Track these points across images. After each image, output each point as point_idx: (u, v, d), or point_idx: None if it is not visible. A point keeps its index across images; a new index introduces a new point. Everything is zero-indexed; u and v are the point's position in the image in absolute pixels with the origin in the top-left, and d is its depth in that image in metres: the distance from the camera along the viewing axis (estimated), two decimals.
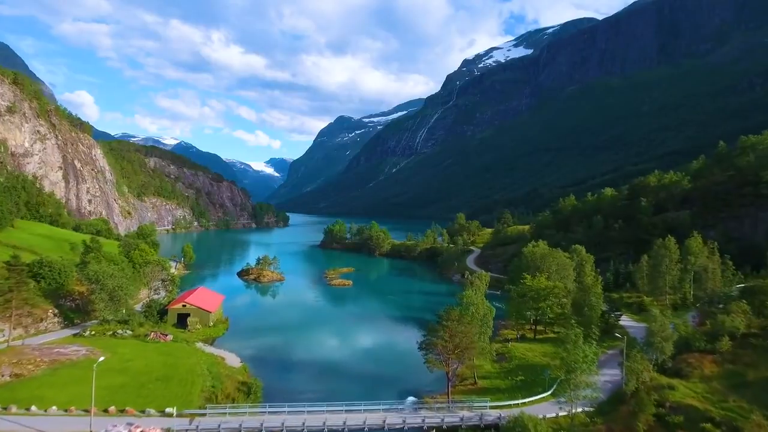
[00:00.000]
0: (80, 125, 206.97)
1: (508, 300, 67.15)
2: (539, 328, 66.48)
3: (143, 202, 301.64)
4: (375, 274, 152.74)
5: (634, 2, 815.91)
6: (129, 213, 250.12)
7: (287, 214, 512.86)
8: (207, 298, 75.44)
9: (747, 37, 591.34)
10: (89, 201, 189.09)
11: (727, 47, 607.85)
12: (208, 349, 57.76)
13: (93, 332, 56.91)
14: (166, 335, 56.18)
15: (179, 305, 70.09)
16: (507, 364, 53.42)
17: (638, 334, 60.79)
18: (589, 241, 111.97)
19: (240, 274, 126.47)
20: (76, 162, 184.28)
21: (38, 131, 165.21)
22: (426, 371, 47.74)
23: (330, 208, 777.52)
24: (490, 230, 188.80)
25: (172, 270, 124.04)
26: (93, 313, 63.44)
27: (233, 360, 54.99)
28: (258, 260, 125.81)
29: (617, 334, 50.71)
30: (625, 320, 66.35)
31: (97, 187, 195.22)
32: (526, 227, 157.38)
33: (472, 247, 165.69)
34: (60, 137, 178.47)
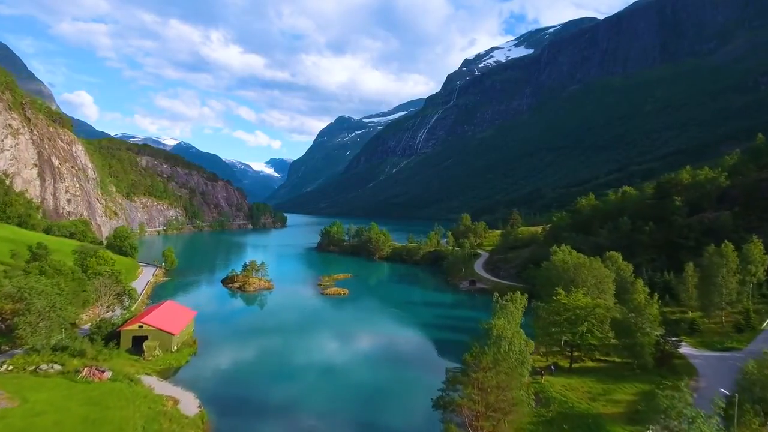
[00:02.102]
0: (59, 120, 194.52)
1: (534, 318, 54.74)
2: (574, 353, 53.99)
3: (133, 203, 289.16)
4: (374, 280, 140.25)
5: (635, 1, 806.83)
6: (115, 213, 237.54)
7: (286, 214, 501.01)
8: (172, 315, 62.87)
9: (751, 36, 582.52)
10: (68, 201, 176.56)
11: (731, 46, 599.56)
12: (160, 387, 45.22)
13: (11, 367, 44.43)
14: (103, 371, 43.72)
15: (135, 326, 57.60)
16: (545, 411, 40.89)
17: (706, 369, 48.35)
18: (613, 246, 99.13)
19: (224, 282, 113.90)
20: (53, 159, 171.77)
21: (10, 125, 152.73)
22: (436, 418, 35.71)
23: (330, 209, 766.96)
24: (497, 232, 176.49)
25: (146, 278, 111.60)
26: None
27: (189, 403, 42.52)
28: (244, 266, 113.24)
29: (725, 393, 36.11)
30: (683, 347, 53.96)
31: (77, 186, 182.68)
32: (539, 229, 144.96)
33: (479, 251, 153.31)
34: (36, 132, 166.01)
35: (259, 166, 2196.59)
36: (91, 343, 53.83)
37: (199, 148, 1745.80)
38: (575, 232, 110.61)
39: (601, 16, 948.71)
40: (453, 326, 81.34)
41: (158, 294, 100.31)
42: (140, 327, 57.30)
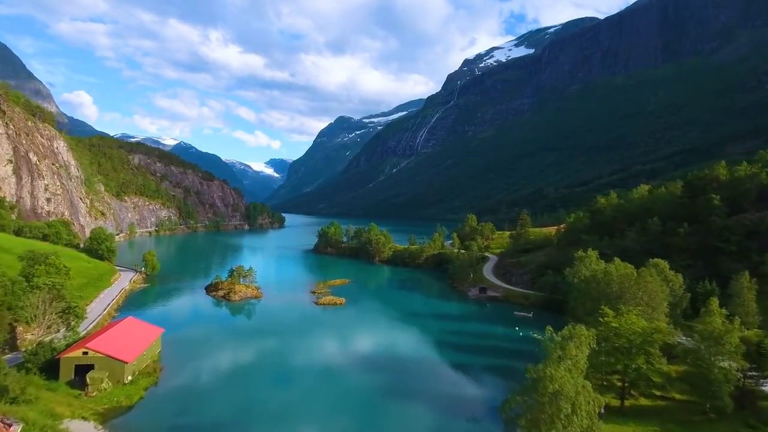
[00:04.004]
0: (40, 113, 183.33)
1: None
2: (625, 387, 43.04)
3: (123, 202, 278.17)
4: (373, 286, 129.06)
5: (637, 0, 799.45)
6: (102, 214, 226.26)
7: (285, 214, 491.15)
8: (129, 336, 51.92)
9: (754, 35, 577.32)
10: (48, 200, 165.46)
11: (734, 45, 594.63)
12: None
13: None
14: (10, 424, 32.96)
15: (78, 352, 46.65)
16: None
17: None
18: (642, 250, 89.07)
19: (208, 289, 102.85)
20: (31, 155, 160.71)
21: None
22: None
23: (329, 209, 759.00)
24: (505, 233, 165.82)
25: (121, 285, 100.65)
26: None
27: None
28: (230, 272, 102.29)
29: None
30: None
31: (58, 184, 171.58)
32: (552, 230, 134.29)
33: (486, 254, 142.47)
34: (11, 126, 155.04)
35: (259, 166, 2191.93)
36: (26, 374, 43.06)
37: (199, 148, 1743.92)
38: (598, 235, 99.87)
39: (601, 16, 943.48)
40: (465, 345, 70.45)
41: (133, 303, 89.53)
42: (84, 353, 46.35)
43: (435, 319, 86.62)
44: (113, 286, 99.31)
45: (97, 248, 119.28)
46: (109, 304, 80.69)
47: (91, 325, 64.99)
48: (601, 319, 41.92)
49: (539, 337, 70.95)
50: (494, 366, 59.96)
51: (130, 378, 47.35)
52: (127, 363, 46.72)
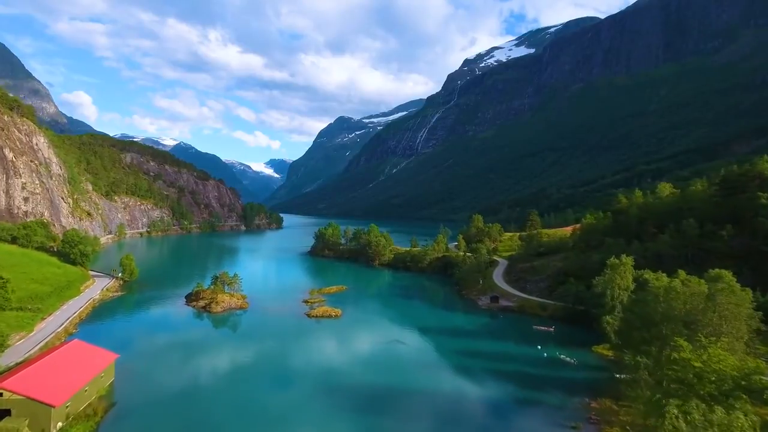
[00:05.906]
0: (18, 107, 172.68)
1: (630, 386, 33.35)
2: None
3: (113, 202, 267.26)
4: (373, 293, 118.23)
5: (637, 0, 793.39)
6: (89, 214, 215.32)
7: (284, 215, 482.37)
8: (64, 369, 41.29)
9: (757, 34, 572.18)
10: (25, 199, 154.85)
11: (736, 45, 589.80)
12: None
13: None
14: None
15: None
16: None
17: None
18: (679, 255, 79.03)
19: (188, 299, 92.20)
20: (6, 151, 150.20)
21: None
22: None
23: (329, 209, 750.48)
24: (511, 235, 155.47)
25: (91, 294, 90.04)
26: None
27: None
28: (214, 279, 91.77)
29: None
30: None
31: (37, 182, 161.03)
32: (567, 231, 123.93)
33: (494, 257, 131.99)
34: None
35: (259, 166, 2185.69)
36: None
37: (199, 149, 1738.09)
38: (621, 237, 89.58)
39: (601, 16, 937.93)
40: (480, 369, 59.96)
41: (99, 315, 79.08)
42: None
43: (443, 335, 76.01)
44: (82, 295, 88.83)
45: (69, 252, 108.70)
46: (68, 319, 70.14)
47: (36, 347, 54.54)
48: (676, 355, 31.50)
49: (569, 359, 61.56)
50: (519, 399, 49.59)
51: (60, 425, 36.88)
52: (54, 407, 36.18)
